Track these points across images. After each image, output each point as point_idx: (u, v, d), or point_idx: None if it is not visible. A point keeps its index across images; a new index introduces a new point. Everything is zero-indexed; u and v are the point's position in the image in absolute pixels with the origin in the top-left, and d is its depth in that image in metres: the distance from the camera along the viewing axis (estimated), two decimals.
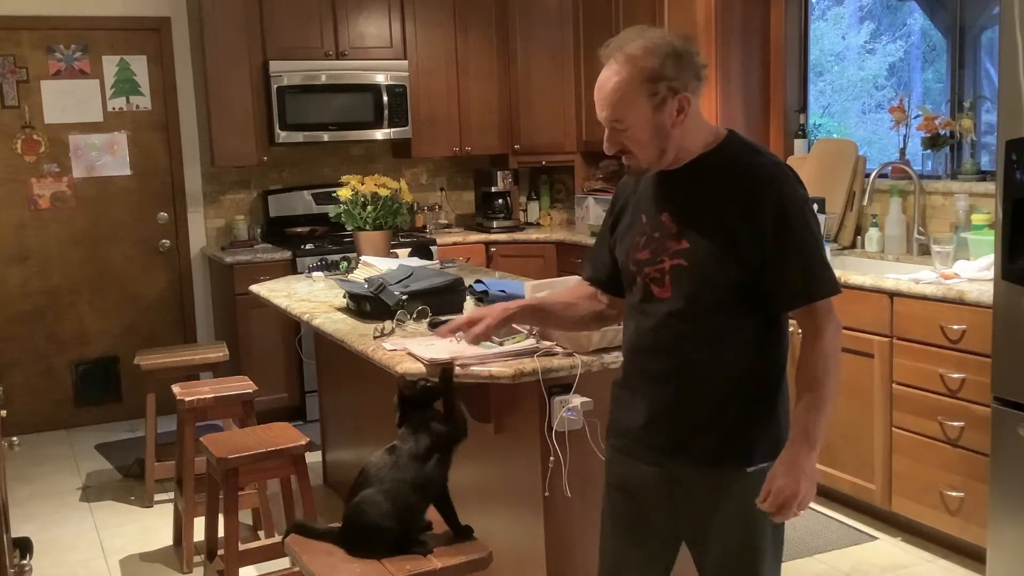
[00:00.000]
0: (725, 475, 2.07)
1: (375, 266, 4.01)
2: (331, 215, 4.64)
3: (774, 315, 2.06)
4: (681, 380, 2.06)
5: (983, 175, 4.17)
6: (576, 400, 2.63)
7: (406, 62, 6.06)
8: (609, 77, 1.99)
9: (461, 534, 2.44)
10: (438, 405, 2.47)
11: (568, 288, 2.45)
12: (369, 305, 3.40)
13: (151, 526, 4.28)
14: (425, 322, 3.20)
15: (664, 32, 2.06)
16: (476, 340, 2.35)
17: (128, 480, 4.86)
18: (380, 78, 5.96)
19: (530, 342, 2.76)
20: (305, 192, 6.08)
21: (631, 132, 2.00)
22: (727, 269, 1.98)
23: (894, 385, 3.75)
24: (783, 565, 2.21)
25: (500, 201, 6.48)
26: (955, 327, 3.48)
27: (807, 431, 1.99)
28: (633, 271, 2.11)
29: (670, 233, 2.04)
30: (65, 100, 5.70)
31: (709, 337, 2.03)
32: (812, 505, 4.03)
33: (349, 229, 4.58)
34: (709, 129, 2.08)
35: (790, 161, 4.92)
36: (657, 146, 2.01)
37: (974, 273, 3.63)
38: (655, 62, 1.96)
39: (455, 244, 6.05)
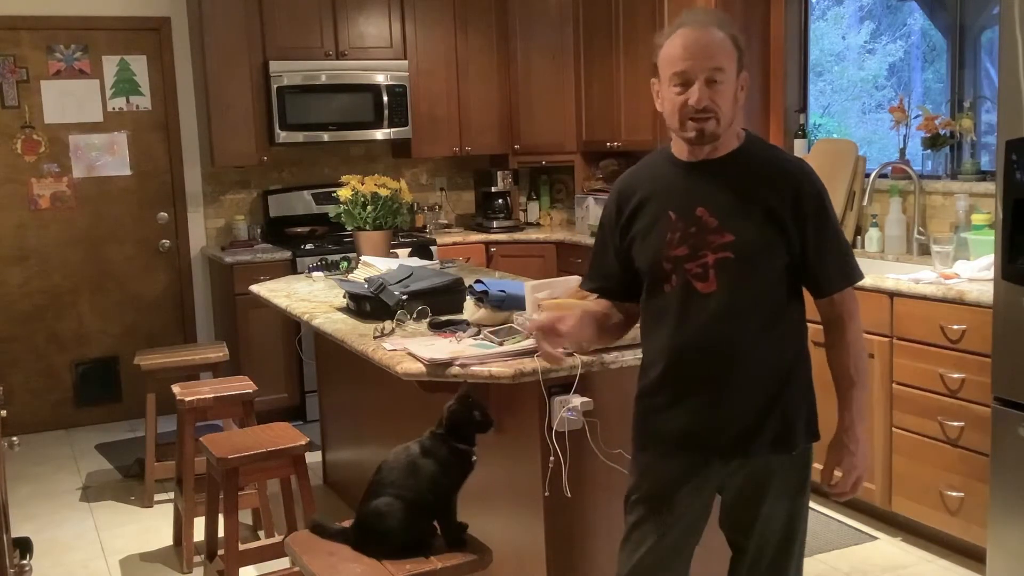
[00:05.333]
0: (774, 462, 2.12)
1: (375, 266, 4.01)
2: (331, 215, 4.64)
3: (802, 304, 2.14)
4: (731, 374, 2.07)
5: (983, 175, 4.17)
6: (576, 400, 2.63)
7: (406, 62, 6.06)
8: (713, 32, 2.03)
9: (455, 545, 2.44)
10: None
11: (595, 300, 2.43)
12: (369, 305, 3.40)
13: (151, 526, 4.28)
14: (425, 322, 3.20)
15: None
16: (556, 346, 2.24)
17: (128, 480, 4.85)
18: (380, 78, 5.96)
19: (530, 342, 2.76)
20: (305, 192, 6.08)
21: (723, 88, 2.03)
22: (774, 258, 2.04)
23: (894, 385, 3.75)
24: None
25: (500, 201, 6.48)
26: (955, 327, 3.48)
27: (860, 410, 2.10)
28: (668, 269, 2.09)
29: (710, 227, 2.05)
30: (65, 100, 5.70)
31: (758, 328, 2.06)
32: (812, 505, 4.04)
33: (349, 229, 4.58)
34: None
35: None
36: (730, 113, 2.06)
37: (974, 273, 3.63)
38: (738, 36, 2.06)
39: (455, 244, 6.05)
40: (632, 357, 2.56)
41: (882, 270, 4.14)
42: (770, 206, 2.03)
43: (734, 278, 2.03)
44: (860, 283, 3.87)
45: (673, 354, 2.12)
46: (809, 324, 2.17)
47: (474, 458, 2.46)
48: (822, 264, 2.07)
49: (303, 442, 3.24)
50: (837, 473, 2.14)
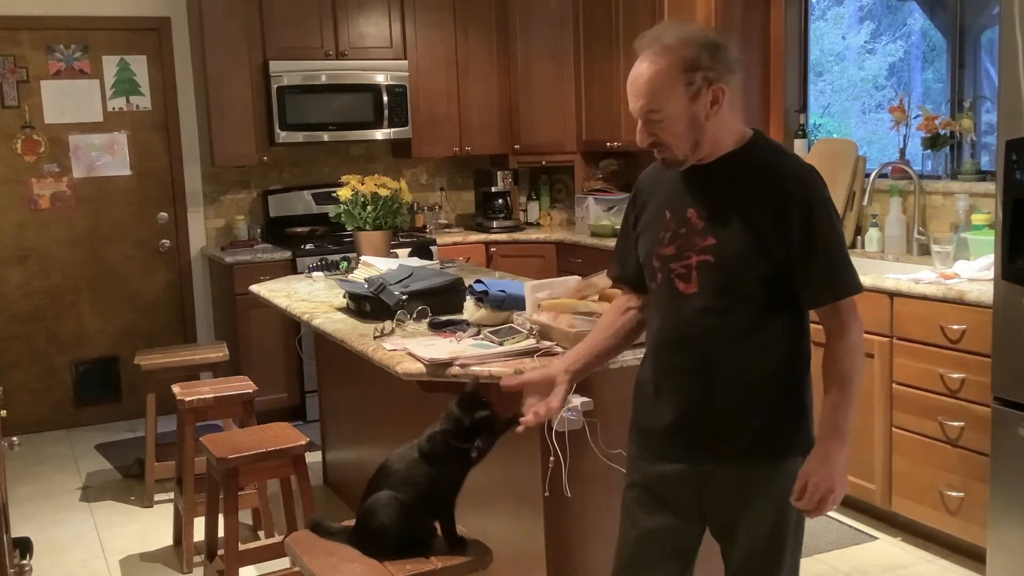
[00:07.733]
0: (755, 469, 2.08)
1: (375, 266, 4.01)
2: (331, 215, 4.64)
3: (798, 311, 2.08)
4: (710, 376, 2.05)
5: (983, 175, 4.17)
6: (576, 400, 2.62)
7: (406, 62, 6.06)
8: (645, 67, 1.98)
9: (455, 546, 2.43)
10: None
11: (601, 320, 2.38)
12: (369, 305, 3.40)
13: (151, 526, 4.28)
14: (425, 322, 3.20)
15: (698, 25, 2.05)
16: (553, 414, 2.23)
17: (128, 480, 4.85)
18: (380, 78, 5.96)
19: (530, 342, 2.76)
20: (305, 192, 6.08)
21: (667, 123, 1.99)
22: (753, 265, 1.99)
23: (894, 385, 3.75)
24: None
25: (500, 201, 6.49)
26: (955, 327, 3.48)
27: (838, 427, 2.03)
28: (656, 266, 2.10)
29: (696, 229, 2.04)
30: (65, 100, 5.70)
31: (737, 332, 2.03)
32: None
33: (349, 229, 4.58)
34: (738, 127, 2.08)
35: None
36: (692, 138, 2.01)
37: (974, 273, 3.63)
38: (691, 52, 1.97)
39: (455, 244, 6.05)
40: (632, 357, 2.56)
41: (882, 270, 4.14)
42: (752, 212, 1.99)
43: (714, 281, 2.01)
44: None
45: (657, 348, 2.14)
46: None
47: (474, 453, 2.42)
48: (807, 275, 2.00)
49: (303, 442, 3.24)
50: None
